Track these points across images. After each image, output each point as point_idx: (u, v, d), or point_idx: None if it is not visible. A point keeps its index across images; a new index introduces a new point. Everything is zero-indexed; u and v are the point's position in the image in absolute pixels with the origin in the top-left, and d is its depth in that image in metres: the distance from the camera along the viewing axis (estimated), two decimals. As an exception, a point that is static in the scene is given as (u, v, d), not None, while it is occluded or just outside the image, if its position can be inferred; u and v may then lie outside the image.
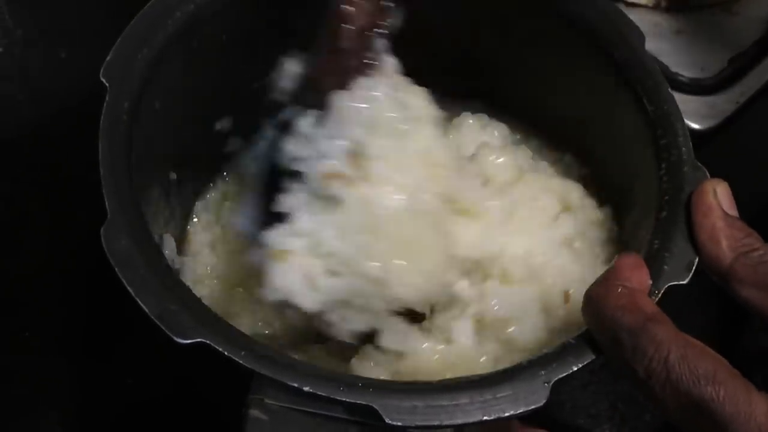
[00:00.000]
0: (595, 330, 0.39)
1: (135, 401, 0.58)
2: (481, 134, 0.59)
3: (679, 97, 0.67)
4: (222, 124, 0.59)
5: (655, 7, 0.75)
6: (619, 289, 0.39)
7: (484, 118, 0.60)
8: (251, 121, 0.59)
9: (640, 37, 0.52)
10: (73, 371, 0.59)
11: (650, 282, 0.41)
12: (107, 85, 0.47)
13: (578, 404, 0.63)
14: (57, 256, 0.62)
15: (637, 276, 0.40)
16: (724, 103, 0.70)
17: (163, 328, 0.39)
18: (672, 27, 0.74)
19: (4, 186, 0.67)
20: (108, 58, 0.48)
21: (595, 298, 0.39)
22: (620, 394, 0.63)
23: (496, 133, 0.59)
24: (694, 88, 0.70)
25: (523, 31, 0.57)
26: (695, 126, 0.68)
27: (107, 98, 0.46)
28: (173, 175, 0.55)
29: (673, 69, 0.70)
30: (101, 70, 0.47)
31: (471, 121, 0.59)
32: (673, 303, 0.42)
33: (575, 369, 0.40)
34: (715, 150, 0.68)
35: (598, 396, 0.63)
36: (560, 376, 0.39)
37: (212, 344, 0.38)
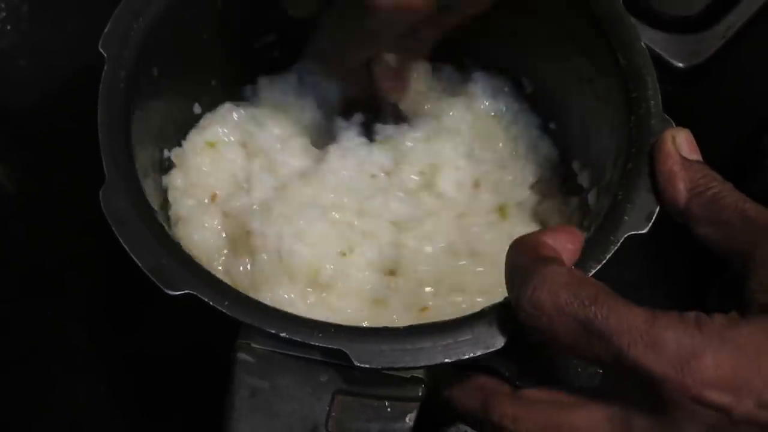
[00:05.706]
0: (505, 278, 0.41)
1: (155, 352, 0.63)
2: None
3: (665, 37, 0.68)
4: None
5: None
6: (526, 240, 0.41)
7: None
8: (249, 81, 0.62)
9: (618, -9, 0.52)
10: (100, 332, 0.64)
11: (571, 246, 0.42)
12: (105, 55, 0.50)
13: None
14: (75, 220, 0.65)
15: (552, 234, 0.42)
16: (711, 38, 0.68)
17: (155, 280, 0.43)
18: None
19: (24, 156, 0.70)
20: (105, 29, 0.51)
21: (509, 249, 0.42)
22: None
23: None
24: (679, 26, 0.69)
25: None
26: (681, 65, 0.67)
27: (105, 67, 0.49)
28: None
29: (658, 7, 0.69)
30: (100, 42, 0.50)
31: None
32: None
33: (532, 314, 0.42)
34: (702, 87, 0.69)
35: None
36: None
37: (198, 295, 0.42)
